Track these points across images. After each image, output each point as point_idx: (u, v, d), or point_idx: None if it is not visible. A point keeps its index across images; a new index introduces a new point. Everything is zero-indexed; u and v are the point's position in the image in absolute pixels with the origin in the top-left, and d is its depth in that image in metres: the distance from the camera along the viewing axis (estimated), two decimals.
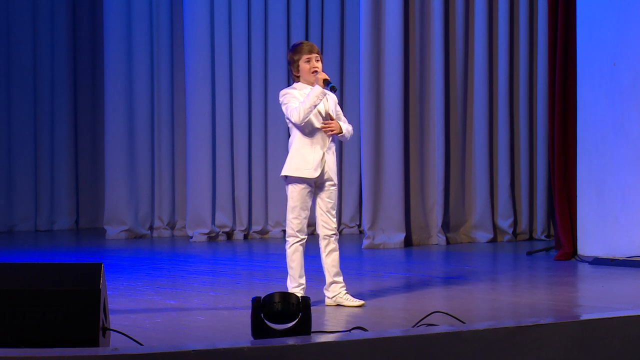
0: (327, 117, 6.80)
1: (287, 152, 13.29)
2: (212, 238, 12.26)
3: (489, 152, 11.72)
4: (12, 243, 12.22)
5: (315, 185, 6.78)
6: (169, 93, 12.83)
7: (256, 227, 12.60)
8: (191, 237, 12.21)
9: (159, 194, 12.87)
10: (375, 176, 11.18)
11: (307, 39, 12.74)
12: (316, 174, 6.72)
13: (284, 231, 12.74)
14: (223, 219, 12.39)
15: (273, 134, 12.58)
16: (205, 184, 12.33)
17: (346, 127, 6.86)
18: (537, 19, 11.82)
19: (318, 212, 6.81)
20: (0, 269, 4.83)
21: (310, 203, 6.77)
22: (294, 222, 6.74)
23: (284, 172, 6.77)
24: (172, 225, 12.95)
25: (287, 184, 6.77)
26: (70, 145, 14.04)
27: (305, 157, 6.72)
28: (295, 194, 6.73)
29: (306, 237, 6.80)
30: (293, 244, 6.76)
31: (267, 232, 12.70)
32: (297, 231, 6.75)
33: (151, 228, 12.85)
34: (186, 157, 12.50)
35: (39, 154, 13.86)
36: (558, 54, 9.93)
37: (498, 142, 11.80)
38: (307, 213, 6.76)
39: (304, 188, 6.73)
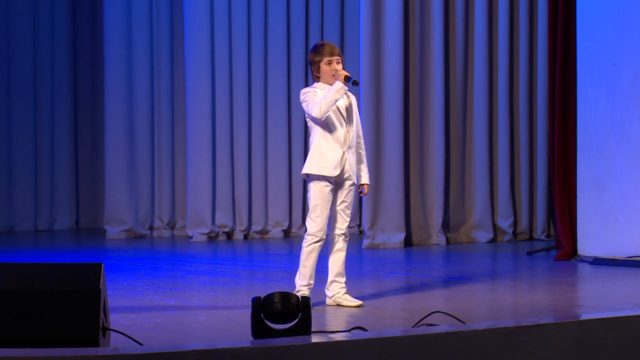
0: (349, 114, 6.81)
1: (286, 152, 13.30)
2: (212, 238, 12.26)
3: (489, 152, 11.72)
4: (12, 243, 12.22)
5: (335, 184, 6.80)
6: (169, 93, 12.83)
7: (256, 227, 12.60)
8: (191, 237, 12.21)
9: (159, 194, 12.87)
10: (375, 176, 11.18)
11: (307, 39, 12.75)
12: (336, 172, 6.74)
13: (284, 231, 12.78)
14: (223, 219, 12.39)
15: (273, 134, 12.58)
16: (205, 184, 12.33)
17: (366, 169, 6.98)
18: (537, 19, 11.82)
19: (332, 210, 6.81)
20: (0, 269, 4.83)
21: (331, 202, 6.77)
22: (316, 220, 6.74)
23: (304, 171, 6.79)
24: (172, 225, 12.94)
25: (309, 182, 6.79)
26: (70, 145, 14.04)
27: (326, 155, 6.74)
28: (316, 192, 6.74)
29: (324, 238, 6.79)
30: (311, 243, 6.75)
31: (267, 232, 12.69)
32: (318, 230, 6.74)
33: (151, 228, 12.85)
34: (186, 157, 12.50)
35: (39, 154, 13.86)
36: (558, 54, 9.93)
37: (498, 142, 11.80)
38: (327, 212, 6.76)
39: (325, 186, 6.74)
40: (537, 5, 11.80)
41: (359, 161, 6.95)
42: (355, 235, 12.86)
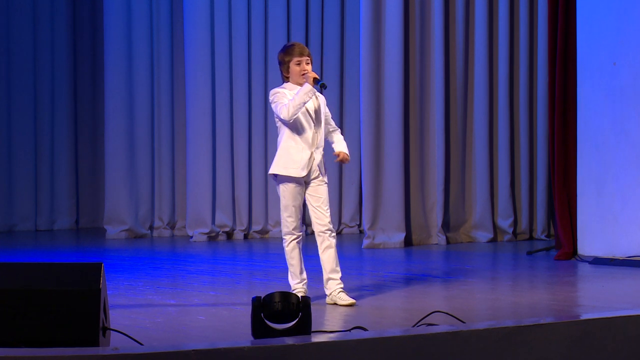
0: (317, 115, 6.88)
1: None
2: (212, 238, 12.26)
3: (489, 152, 11.72)
4: (12, 243, 12.22)
5: (305, 184, 6.85)
6: (169, 93, 12.83)
7: (256, 227, 12.60)
8: (191, 237, 12.21)
9: (159, 194, 12.87)
10: (375, 176, 11.18)
11: (307, 38, 12.75)
12: (303, 173, 6.81)
13: None
14: (223, 218, 12.39)
15: (273, 133, 12.56)
16: (205, 184, 12.33)
17: (345, 145, 7.03)
18: (537, 19, 11.82)
19: (310, 209, 6.90)
20: (1, 269, 4.83)
21: (302, 200, 6.87)
22: (289, 220, 6.84)
23: (272, 171, 6.89)
24: (172, 225, 12.94)
25: (278, 184, 6.89)
26: (70, 145, 14.04)
27: (293, 156, 6.81)
28: (286, 193, 6.83)
29: (302, 233, 6.92)
30: (290, 242, 6.86)
31: (267, 232, 12.70)
32: (293, 229, 6.86)
33: (151, 228, 12.85)
34: (186, 157, 12.50)
35: (39, 154, 13.85)
36: (558, 54, 9.93)
37: (498, 142, 11.80)
38: (300, 210, 6.87)
39: (294, 187, 6.83)
40: (537, 5, 11.79)
41: (332, 138, 7.01)
42: (355, 235, 12.87)
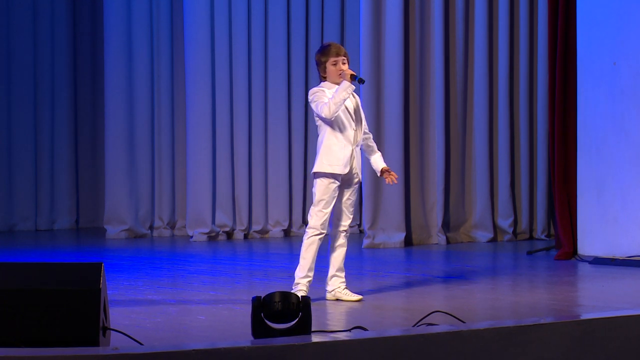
0: (356, 114, 6.98)
1: (286, 151, 13.29)
2: (212, 238, 12.26)
3: (489, 152, 11.72)
4: (12, 243, 12.22)
5: (343, 181, 6.91)
6: (169, 93, 12.83)
7: (256, 227, 12.59)
8: (191, 237, 12.21)
9: (159, 194, 12.87)
10: (376, 176, 11.13)
11: (307, 38, 12.76)
12: (346, 170, 6.91)
13: (284, 231, 12.78)
14: (223, 218, 12.39)
15: (273, 133, 12.57)
16: (205, 184, 12.33)
17: (382, 160, 7.15)
18: (537, 19, 11.82)
19: (336, 206, 6.92)
20: (0, 269, 4.83)
21: (335, 198, 6.91)
22: (318, 214, 6.87)
23: (315, 169, 6.93)
24: (172, 225, 12.94)
25: (315, 178, 6.92)
26: (70, 145, 14.03)
27: (336, 153, 6.88)
28: (322, 187, 6.87)
29: (325, 232, 6.92)
30: (312, 236, 6.88)
31: (267, 232, 12.69)
32: (320, 224, 6.88)
33: (151, 227, 12.85)
34: (186, 156, 12.50)
35: (39, 154, 13.85)
36: (558, 54, 9.93)
37: (498, 142, 11.80)
38: (330, 208, 6.90)
39: (331, 183, 6.88)
40: (537, 5, 11.79)
41: (372, 152, 7.14)
42: (356, 234, 12.85)
